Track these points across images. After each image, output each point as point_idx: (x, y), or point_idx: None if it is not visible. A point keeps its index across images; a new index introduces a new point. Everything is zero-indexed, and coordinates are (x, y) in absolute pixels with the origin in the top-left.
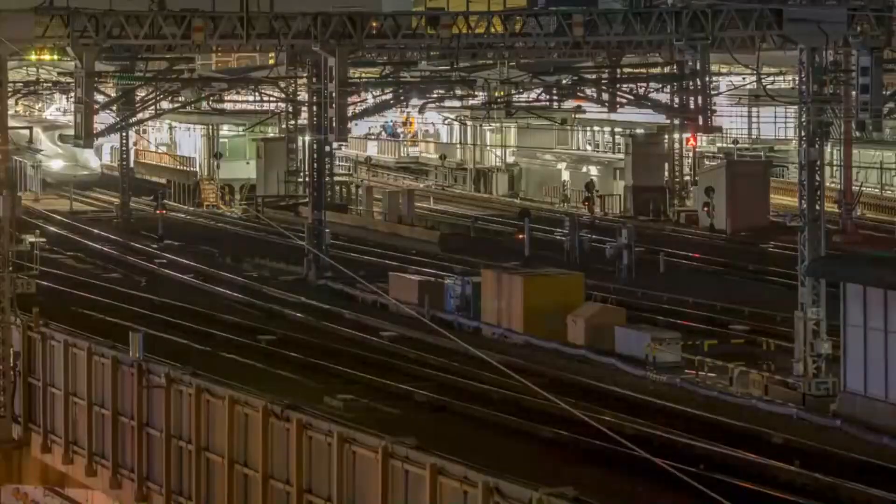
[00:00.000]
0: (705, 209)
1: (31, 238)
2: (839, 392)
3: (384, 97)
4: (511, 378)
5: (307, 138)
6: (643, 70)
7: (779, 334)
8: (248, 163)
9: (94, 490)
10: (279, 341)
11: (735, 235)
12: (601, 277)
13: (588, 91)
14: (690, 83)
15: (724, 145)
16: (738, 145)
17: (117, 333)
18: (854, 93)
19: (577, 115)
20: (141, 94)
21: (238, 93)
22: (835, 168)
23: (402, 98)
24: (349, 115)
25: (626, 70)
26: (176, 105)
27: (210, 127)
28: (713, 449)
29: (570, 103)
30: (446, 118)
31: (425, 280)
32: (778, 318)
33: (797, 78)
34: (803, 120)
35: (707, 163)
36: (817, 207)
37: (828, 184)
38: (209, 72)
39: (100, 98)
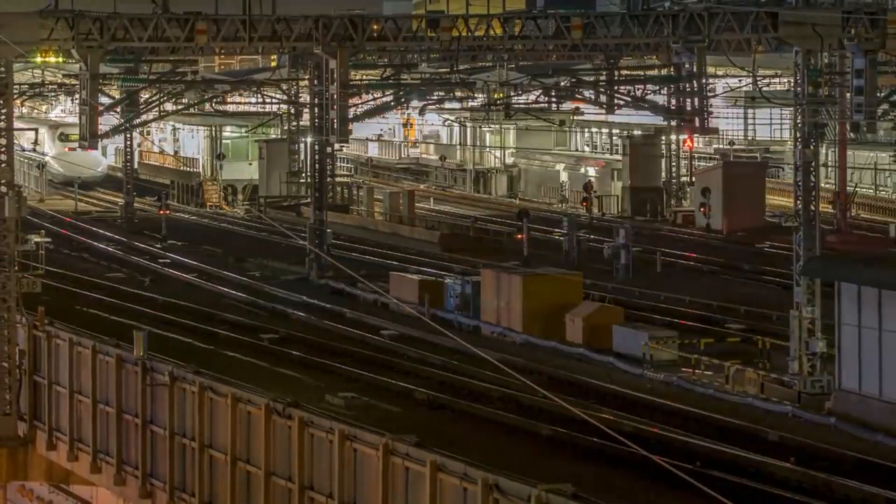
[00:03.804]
0: (702, 210)
1: (36, 238)
2: (834, 390)
3: (385, 99)
4: (510, 376)
5: (309, 139)
6: (640, 72)
7: (774, 333)
8: (250, 164)
9: (98, 487)
10: (281, 340)
11: (731, 235)
12: (599, 277)
13: (586, 93)
14: (687, 85)
15: (721, 146)
16: (735, 146)
17: (121, 332)
18: (848, 95)
19: (575, 117)
20: (145, 95)
21: (240, 94)
22: (829, 169)
23: (402, 100)
24: (350, 116)
25: (624, 72)
26: (179, 107)
27: (213, 128)
28: (709, 446)
29: (568, 105)
30: (446, 120)
31: (425, 279)
32: (773, 317)
33: (792, 80)
34: (798, 121)
35: (702, 163)
36: (812, 208)
37: (822, 184)
38: (212, 74)
39: (104, 100)
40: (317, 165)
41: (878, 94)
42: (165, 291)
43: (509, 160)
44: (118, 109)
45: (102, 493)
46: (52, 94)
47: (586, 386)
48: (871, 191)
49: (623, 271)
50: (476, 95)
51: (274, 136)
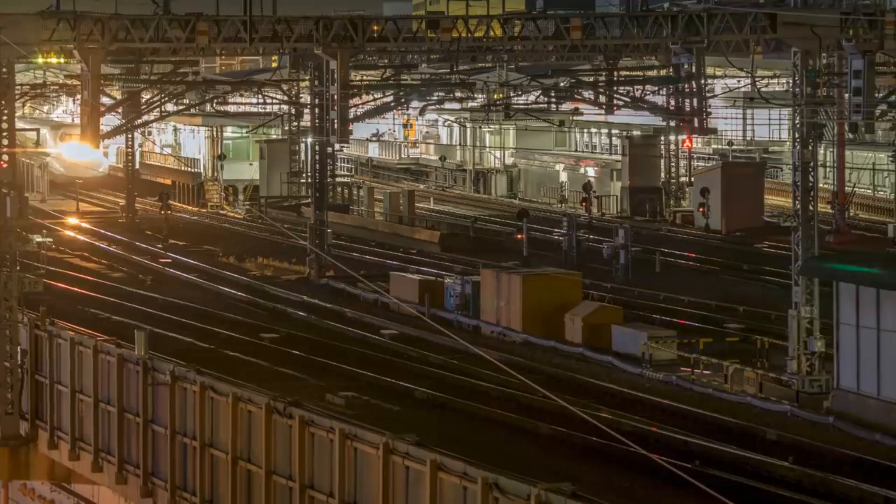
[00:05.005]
0: (701, 210)
1: (37, 238)
2: (832, 389)
3: (385, 99)
4: (510, 375)
5: (309, 140)
6: (640, 73)
7: (773, 332)
8: (251, 164)
9: (100, 485)
10: (282, 339)
11: (730, 235)
12: (598, 277)
13: (585, 93)
14: (686, 86)
15: (720, 147)
16: (733, 147)
17: (123, 332)
18: (847, 95)
19: (574, 118)
20: (146, 96)
21: (241, 95)
22: (828, 169)
23: (402, 100)
24: (351, 116)
25: (623, 73)
26: (180, 107)
27: (214, 129)
28: (708, 445)
29: (567, 105)
30: (446, 120)
31: (425, 279)
32: (772, 316)
33: (791, 80)
34: (797, 122)
35: (701, 164)
36: (811, 208)
37: (821, 185)
38: (213, 75)
39: (106, 100)
40: (317, 166)
41: (877, 95)
42: (166, 291)
43: (509, 160)
44: (119, 110)
45: (104, 492)
46: (54, 94)
47: (586, 385)
48: (869, 191)
49: (622, 271)
50: (476, 96)
51: (275, 136)
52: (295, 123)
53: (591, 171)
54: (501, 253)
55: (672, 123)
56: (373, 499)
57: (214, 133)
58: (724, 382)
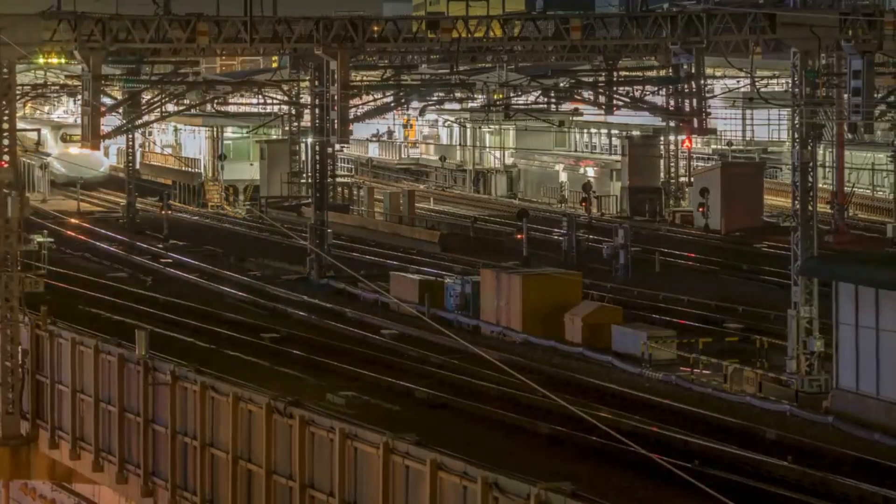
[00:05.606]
0: (700, 210)
1: (38, 238)
2: (831, 389)
3: (385, 100)
4: (509, 375)
5: (310, 140)
6: (639, 73)
7: (772, 332)
8: (251, 164)
9: (100, 485)
10: (282, 339)
11: (729, 235)
12: (598, 277)
13: (585, 94)
14: (685, 86)
15: (719, 147)
16: (733, 147)
17: (123, 331)
18: (846, 95)
19: (574, 118)
20: (147, 96)
21: (242, 95)
22: (827, 169)
23: (402, 101)
24: (351, 117)
25: (623, 73)
26: (181, 108)
27: (214, 129)
28: (708, 445)
29: (567, 106)
30: (446, 120)
31: (425, 279)
32: (771, 316)
33: (790, 81)
34: (796, 122)
35: (700, 164)
36: (810, 208)
37: (820, 185)
38: (213, 75)
39: (106, 101)
40: (317, 166)
41: (876, 95)
42: (167, 291)
43: (509, 160)
44: (120, 110)
45: (105, 492)
46: (55, 95)
47: (585, 385)
48: (868, 191)
49: (622, 271)
50: (476, 96)
51: (275, 136)
52: (295, 123)
53: (590, 171)
54: (501, 253)
55: (672, 124)
56: (373, 498)
57: (215, 133)
58: (723, 382)
